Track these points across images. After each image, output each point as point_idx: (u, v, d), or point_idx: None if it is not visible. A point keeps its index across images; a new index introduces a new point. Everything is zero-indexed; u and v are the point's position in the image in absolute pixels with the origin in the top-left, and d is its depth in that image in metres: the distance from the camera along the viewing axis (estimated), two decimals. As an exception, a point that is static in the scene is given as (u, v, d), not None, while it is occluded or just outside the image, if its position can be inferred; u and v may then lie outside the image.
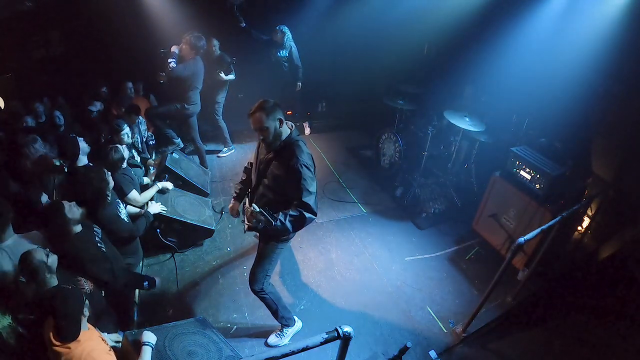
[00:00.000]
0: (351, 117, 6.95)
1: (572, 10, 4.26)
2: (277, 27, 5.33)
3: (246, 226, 2.46)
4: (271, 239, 2.67)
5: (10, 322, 2.04)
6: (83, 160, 3.23)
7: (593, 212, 4.10)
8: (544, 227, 2.93)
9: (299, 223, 2.40)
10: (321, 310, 3.39)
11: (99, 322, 2.33)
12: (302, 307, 3.40)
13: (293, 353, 1.57)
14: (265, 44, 5.46)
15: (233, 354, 2.47)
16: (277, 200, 2.50)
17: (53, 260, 2.06)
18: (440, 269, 3.90)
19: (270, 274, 2.78)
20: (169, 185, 3.82)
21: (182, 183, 4.21)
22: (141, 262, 3.53)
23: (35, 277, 1.99)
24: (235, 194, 2.96)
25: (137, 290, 3.36)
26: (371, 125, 6.40)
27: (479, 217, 4.15)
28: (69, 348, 1.80)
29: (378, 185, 5.28)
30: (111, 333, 2.43)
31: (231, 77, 5.19)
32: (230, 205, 2.98)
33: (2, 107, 4.37)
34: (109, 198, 2.76)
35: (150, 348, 2.12)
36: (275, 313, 2.93)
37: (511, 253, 2.74)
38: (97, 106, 4.65)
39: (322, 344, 1.65)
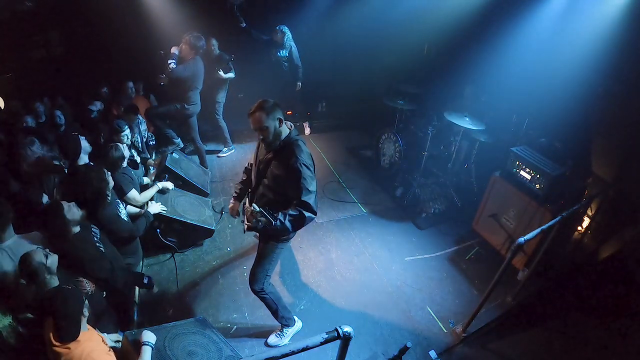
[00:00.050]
0: (351, 117, 6.95)
1: (572, 10, 4.26)
2: (277, 27, 5.33)
3: (246, 226, 2.46)
4: (271, 239, 2.67)
5: (10, 322, 2.04)
6: (84, 159, 3.23)
7: (593, 212, 4.10)
8: (544, 227, 2.93)
9: (299, 222, 2.40)
10: (321, 310, 3.39)
11: (99, 323, 2.33)
12: (302, 307, 3.40)
13: (293, 353, 1.57)
14: (265, 44, 5.46)
15: (233, 354, 2.47)
16: (277, 200, 2.50)
17: (53, 260, 2.06)
18: (440, 269, 3.90)
19: (271, 274, 2.78)
20: (169, 185, 3.82)
21: (182, 183, 4.21)
22: (141, 262, 3.53)
23: (35, 278, 1.99)
24: (235, 194, 2.96)
25: (137, 290, 3.36)
26: (371, 125, 6.40)
27: (479, 217, 4.15)
28: (69, 348, 1.80)
29: (378, 185, 5.28)
30: (111, 333, 2.43)
31: (231, 75, 5.18)
32: (231, 205, 2.98)
33: (2, 107, 4.37)
34: (109, 198, 2.76)
35: (150, 348, 2.11)
36: (275, 313, 2.93)
37: (511, 253, 2.74)
38: (97, 106, 4.65)
39: (322, 344, 1.65)
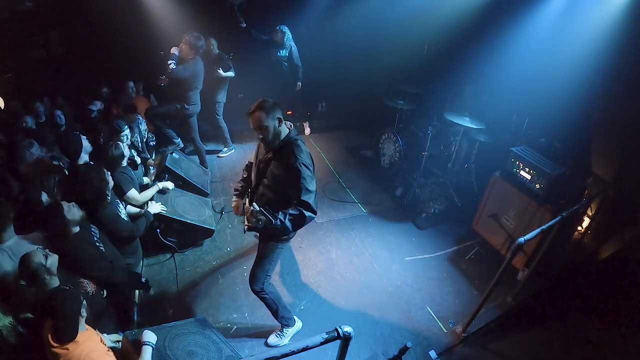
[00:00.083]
0: (351, 117, 6.95)
1: (572, 10, 4.26)
2: (277, 27, 5.33)
3: (246, 226, 2.46)
4: (271, 239, 2.67)
5: (11, 321, 2.04)
6: (84, 158, 3.23)
7: (593, 212, 4.10)
8: (544, 227, 2.93)
9: (299, 222, 2.40)
10: (321, 310, 3.39)
11: (99, 323, 2.33)
12: (302, 307, 3.40)
13: (293, 353, 1.57)
14: (265, 44, 5.46)
15: (233, 354, 2.47)
16: (276, 200, 2.50)
17: (53, 261, 2.06)
18: (440, 269, 3.90)
19: (271, 274, 2.79)
20: (169, 185, 3.82)
21: (182, 183, 4.21)
22: (141, 262, 3.53)
23: (35, 279, 1.99)
24: (237, 192, 2.93)
25: (137, 291, 3.36)
26: (371, 125, 6.40)
27: (479, 217, 4.15)
28: (67, 349, 1.80)
29: (378, 185, 5.28)
30: (111, 334, 2.43)
31: (230, 74, 5.17)
32: (234, 203, 2.91)
33: (2, 107, 4.37)
34: (109, 198, 2.76)
35: (151, 348, 2.11)
36: (275, 313, 2.93)
37: (511, 253, 2.74)
38: (97, 105, 4.65)
39: (322, 344, 1.65)
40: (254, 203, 2.40)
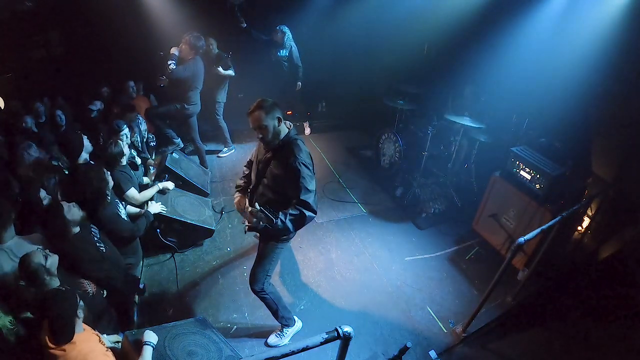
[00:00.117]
0: (351, 117, 6.95)
1: (572, 10, 4.26)
2: (278, 27, 5.33)
3: (247, 226, 2.45)
4: (271, 239, 2.67)
5: (11, 320, 2.04)
6: (84, 157, 3.24)
7: (593, 212, 4.10)
8: (544, 227, 2.93)
9: (300, 222, 2.41)
10: (321, 310, 3.39)
11: (99, 323, 2.33)
12: (302, 307, 3.40)
13: (293, 353, 1.57)
14: (265, 44, 5.46)
15: (233, 354, 2.47)
16: (276, 200, 2.50)
17: (52, 262, 2.06)
18: (440, 269, 3.90)
19: (271, 274, 2.79)
20: (169, 185, 3.81)
21: (182, 183, 4.21)
22: (141, 262, 3.53)
23: (35, 280, 1.99)
24: (239, 187, 2.89)
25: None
26: (371, 125, 6.40)
27: (479, 217, 4.15)
28: (64, 350, 1.80)
29: (378, 185, 5.28)
30: (111, 334, 2.43)
31: (230, 72, 5.15)
32: (237, 199, 2.84)
33: (2, 107, 4.37)
34: (109, 198, 2.76)
35: (152, 348, 2.12)
36: (275, 313, 2.93)
37: (511, 253, 2.74)
38: (97, 105, 4.64)
39: (322, 344, 1.65)
40: (256, 203, 2.40)
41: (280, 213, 2.33)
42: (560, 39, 4.34)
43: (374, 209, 4.78)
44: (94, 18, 5.37)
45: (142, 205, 3.47)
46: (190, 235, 3.84)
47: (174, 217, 3.61)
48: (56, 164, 3.26)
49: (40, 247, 2.16)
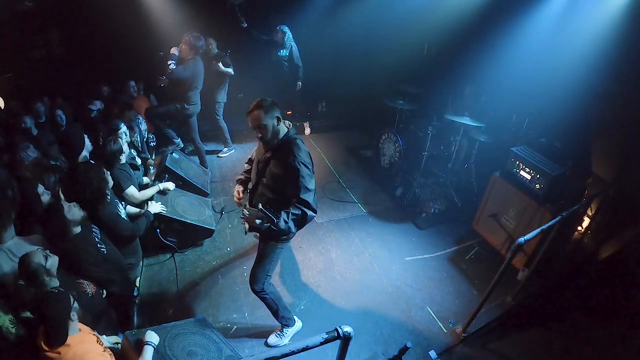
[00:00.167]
0: (351, 117, 6.96)
1: (572, 10, 4.26)
2: (278, 27, 5.33)
3: (247, 227, 2.45)
4: (271, 239, 2.67)
5: (11, 318, 2.03)
6: (84, 154, 3.24)
7: (593, 212, 4.10)
8: (544, 227, 2.93)
9: (301, 221, 2.41)
10: (321, 310, 3.39)
11: (98, 324, 2.33)
12: (302, 307, 3.40)
13: (293, 353, 1.57)
14: (266, 44, 5.46)
15: (233, 354, 2.47)
16: (276, 200, 2.50)
17: (52, 262, 2.06)
18: (440, 269, 3.90)
19: (271, 274, 2.79)
20: (170, 186, 3.80)
21: (182, 183, 4.20)
22: (141, 262, 3.54)
23: (34, 280, 1.99)
24: (239, 180, 2.88)
25: (137, 291, 3.37)
26: (371, 125, 6.40)
27: (479, 217, 4.15)
28: (59, 353, 1.79)
29: (378, 185, 5.28)
30: (110, 335, 2.43)
31: (230, 70, 5.14)
32: (237, 189, 2.83)
33: (2, 107, 4.37)
34: (109, 197, 2.76)
35: (153, 348, 2.12)
36: (275, 313, 2.93)
37: (511, 253, 2.74)
38: (97, 105, 4.65)
39: (322, 344, 1.65)
40: (259, 205, 2.40)
41: (283, 212, 2.33)
42: (560, 39, 4.34)
43: (374, 209, 4.78)
44: (94, 18, 5.38)
45: (142, 205, 3.47)
46: (190, 235, 3.84)
47: (174, 217, 3.61)
48: (54, 163, 3.25)
49: (40, 248, 2.16)
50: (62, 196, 2.81)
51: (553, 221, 3.03)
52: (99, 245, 2.53)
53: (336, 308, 3.42)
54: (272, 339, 3.06)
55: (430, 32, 5.69)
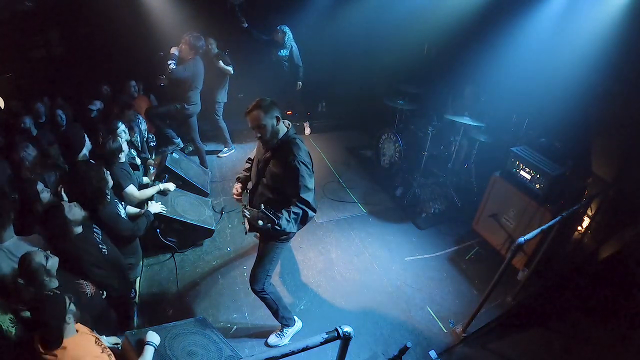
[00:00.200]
0: (351, 117, 6.95)
1: (572, 10, 4.26)
2: (278, 27, 5.33)
3: (247, 227, 2.45)
4: (271, 239, 2.67)
5: (11, 318, 2.03)
6: (84, 153, 3.24)
7: (593, 212, 4.10)
8: (544, 227, 2.93)
9: (302, 220, 2.41)
10: (321, 310, 3.39)
11: (98, 324, 2.32)
12: (302, 307, 3.40)
13: (293, 353, 1.57)
14: (266, 44, 5.46)
15: (233, 354, 2.47)
16: (275, 200, 2.50)
17: (53, 263, 2.06)
18: (440, 269, 3.90)
19: (271, 273, 2.79)
20: (170, 187, 3.79)
21: (182, 183, 4.20)
22: (141, 262, 3.54)
23: (34, 279, 1.99)
24: (239, 179, 2.88)
25: (137, 291, 3.37)
26: (371, 125, 6.40)
27: (479, 217, 4.15)
28: (55, 356, 1.79)
29: (378, 185, 5.28)
30: (110, 335, 2.43)
31: (230, 69, 5.12)
32: (235, 187, 2.84)
33: (2, 107, 4.37)
34: (109, 197, 2.76)
35: (153, 348, 2.12)
36: (275, 313, 2.93)
37: (511, 253, 2.74)
38: (97, 105, 4.65)
39: (322, 344, 1.65)
40: (262, 205, 2.40)
41: (284, 211, 2.33)
42: (560, 39, 4.34)
43: (374, 209, 4.78)
44: (94, 18, 5.38)
45: (142, 204, 3.47)
46: (190, 235, 3.84)
47: (174, 217, 3.61)
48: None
49: (40, 248, 2.15)
50: (64, 196, 2.82)
51: (553, 221, 3.03)
52: (100, 245, 2.53)
53: (336, 308, 3.42)
54: (272, 339, 3.06)
55: (430, 32, 5.69)
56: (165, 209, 3.54)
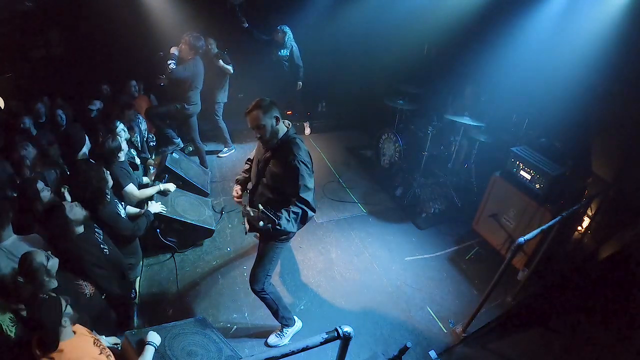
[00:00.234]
0: (351, 117, 6.95)
1: (572, 10, 4.26)
2: (278, 27, 5.34)
3: (247, 227, 2.45)
4: (271, 239, 2.67)
5: (11, 317, 2.03)
6: (83, 151, 3.25)
7: (593, 212, 4.10)
8: (544, 227, 2.93)
9: (302, 220, 2.41)
10: (321, 310, 3.39)
11: (97, 324, 2.32)
12: (302, 307, 3.40)
13: (293, 353, 1.57)
14: (266, 44, 5.46)
15: (233, 354, 2.47)
16: (275, 200, 2.50)
17: (53, 263, 2.06)
18: (440, 269, 3.90)
19: (271, 273, 2.79)
20: (171, 187, 3.79)
21: (182, 183, 4.20)
22: (141, 262, 3.53)
23: (34, 279, 1.99)
24: (238, 179, 2.88)
25: (137, 291, 3.37)
26: (371, 125, 6.40)
27: (479, 217, 4.15)
28: (52, 358, 1.78)
29: (378, 185, 5.28)
30: (110, 336, 2.43)
31: (230, 68, 5.11)
32: (236, 188, 2.85)
33: (2, 107, 4.37)
34: (109, 197, 2.76)
35: (154, 348, 2.12)
36: (275, 313, 2.93)
37: (511, 253, 2.74)
38: (96, 105, 4.65)
39: (322, 344, 1.65)
40: (260, 205, 2.40)
41: (283, 211, 2.33)
42: (560, 39, 4.34)
43: (374, 209, 4.78)
44: (94, 18, 5.37)
45: (142, 204, 3.46)
46: (190, 235, 3.84)
47: (174, 217, 3.61)
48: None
49: (40, 248, 2.15)
50: (67, 196, 2.81)
51: (553, 221, 3.03)
52: (102, 245, 2.53)
53: (336, 308, 3.42)
54: (272, 339, 3.06)
55: (430, 32, 5.69)
56: (165, 209, 3.54)
